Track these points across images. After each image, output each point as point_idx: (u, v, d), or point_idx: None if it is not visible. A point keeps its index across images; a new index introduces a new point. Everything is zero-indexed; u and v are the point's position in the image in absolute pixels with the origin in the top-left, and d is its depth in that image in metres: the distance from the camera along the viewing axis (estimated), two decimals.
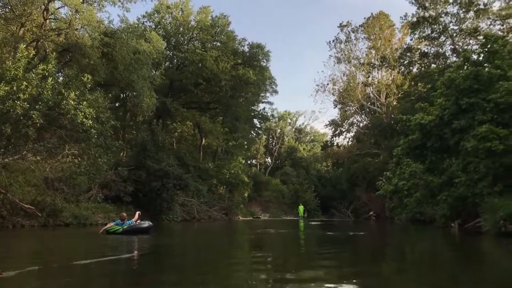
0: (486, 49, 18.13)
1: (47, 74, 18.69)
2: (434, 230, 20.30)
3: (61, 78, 23.19)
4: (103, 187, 27.07)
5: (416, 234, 19.39)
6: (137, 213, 15.60)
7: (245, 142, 52.36)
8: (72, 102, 17.98)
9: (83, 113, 18.48)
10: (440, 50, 37.84)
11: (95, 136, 19.67)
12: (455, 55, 35.36)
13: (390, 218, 39.42)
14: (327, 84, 53.88)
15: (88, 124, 18.54)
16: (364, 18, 49.89)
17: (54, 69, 19.60)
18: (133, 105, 32.25)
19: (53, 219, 20.95)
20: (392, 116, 41.10)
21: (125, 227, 14.27)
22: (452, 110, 17.06)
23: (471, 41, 34.62)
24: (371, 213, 48.62)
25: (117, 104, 39.92)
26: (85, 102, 18.72)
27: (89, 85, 20.05)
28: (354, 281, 6.00)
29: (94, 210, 24.74)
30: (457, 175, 18.21)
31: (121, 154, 35.15)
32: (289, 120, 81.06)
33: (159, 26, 40.99)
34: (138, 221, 15.18)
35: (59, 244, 12.24)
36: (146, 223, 15.28)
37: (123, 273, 6.54)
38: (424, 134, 18.21)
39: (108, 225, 14.95)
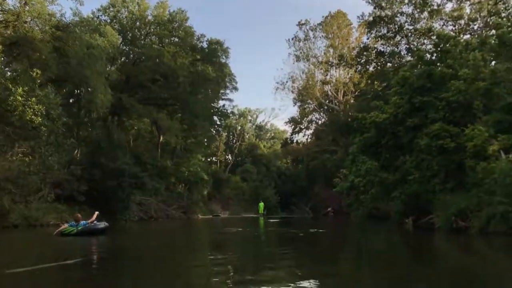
0: (439, 49, 18.65)
1: None
2: (389, 226, 20.76)
3: (9, 73, 22.04)
4: (55, 186, 26.04)
5: (372, 230, 19.75)
6: (96, 213, 15.11)
7: (205, 140, 51.68)
8: (20, 98, 17.12)
9: (32, 110, 17.63)
10: (396, 49, 38.79)
11: (46, 134, 18.83)
12: (410, 54, 36.32)
13: (347, 214, 40.12)
14: (287, 82, 54.29)
15: (38, 122, 17.71)
16: (323, 17, 50.54)
17: None
18: (88, 102, 31.15)
19: (0, 220, 19.99)
20: (350, 114, 41.79)
21: (79, 228, 13.78)
22: (406, 109, 17.46)
23: (425, 41, 35.66)
24: (329, 209, 49.26)
25: (70, 101, 38.46)
26: (34, 99, 17.86)
27: (39, 81, 19.17)
28: (312, 281, 5.99)
29: (46, 210, 23.75)
30: (411, 172, 18.66)
31: (75, 152, 33.96)
32: (249, 117, 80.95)
33: (114, 21, 39.72)
34: (94, 222, 14.67)
35: (4, 249, 11.63)
36: (102, 224, 14.80)
37: (74, 280, 6.21)
38: (379, 131, 18.57)
39: (62, 227, 14.46)
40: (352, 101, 48.57)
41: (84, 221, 14.20)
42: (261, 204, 49.97)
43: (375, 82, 40.80)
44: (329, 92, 51.76)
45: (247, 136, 78.27)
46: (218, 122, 54.33)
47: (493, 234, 12.99)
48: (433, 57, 19.64)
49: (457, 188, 16.30)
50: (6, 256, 9.65)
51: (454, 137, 16.06)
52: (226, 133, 71.77)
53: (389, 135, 18.24)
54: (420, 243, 13.69)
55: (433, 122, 16.55)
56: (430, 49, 24.09)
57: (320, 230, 20.02)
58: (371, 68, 41.47)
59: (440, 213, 16.18)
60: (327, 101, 51.57)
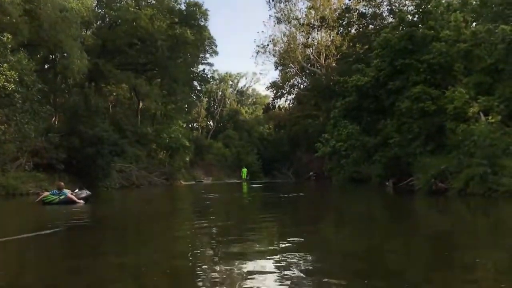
0: (421, 10, 18.40)
1: None
2: (370, 189, 21.02)
3: None
4: (33, 155, 25.53)
5: (353, 193, 19.97)
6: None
7: (185, 105, 50.98)
8: None
9: (4, 77, 16.96)
10: (378, 10, 38.31)
11: (20, 101, 18.22)
12: (392, 16, 35.92)
13: (329, 178, 40.58)
14: (268, 45, 53.43)
15: (11, 88, 17.07)
16: None
17: None
18: (63, 67, 30.22)
19: None
20: (332, 77, 41.52)
21: (61, 197, 13.49)
22: (387, 71, 17.34)
23: (407, 2, 35.21)
24: (311, 173, 49.75)
25: (46, 67, 37.33)
26: (6, 64, 17.16)
27: (10, 46, 18.36)
28: (295, 240, 6.05)
29: (24, 179, 23.33)
30: (392, 136, 18.76)
31: (53, 119, 33.21)
32: (230, 82, 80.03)
33: None
34: (76, 191, 14.51)
35: None
36: (84, 193, 14.61)
37: (60, 247, 6.18)
38: (360, 95, 18.49)
39: (44, 195, 14.13)
40: (334, 64, 48.18)
41: (66, 190, 13.93)
42: (244, 170, 50.14)
43: (357, 45, 40.39)
44: (311, 56, 51.23)
45: (228, 102, 77.59)
46: (199, 88, 53.54)
47: (472, 195, 13.22)
48: (415, 19, 19.39)
49: (437, 150, 16.47)
50: None
51: (435, 99, 16.09)
52: (207, 99, 70.97)
53: (371, 99, 18.19)
54: (400, 204, 13.90)
55: (414, 85, 16.51)
56: (412, 10, 23.76)
57: (302, 194, 20.17)
58: (353, 31, 40.94)
59: (420, 175, 16.38)
60: (309, 64, 51.10)
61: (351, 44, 42.64)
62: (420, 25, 18.36)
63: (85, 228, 8.26)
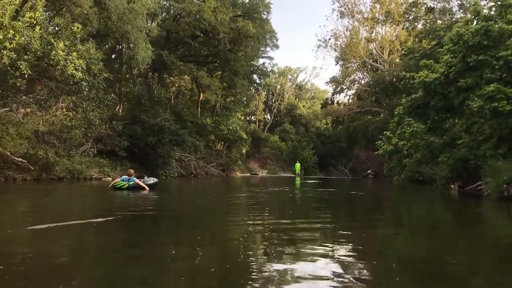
0: (499, 3, 17.11)
1: (35, 22, 17.74)
2: (433, 191, 20.02)
3: (51, 28, 22.12)
4: (97, 141, 26.64)
5: (415, 195, 19.11)
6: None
7: (244, 98, 51.35)
8: (61, 53, 17.11)
9: (73, 65, 17.64)
10: (447, 5, 36.44)
11: (86, 89, 18.92)
12: (462, 11, 34.03)
13: (388, 177, 39.33)
14: (329, 39, 52.39)
15: (79, 77, 17.73)
16: None
17: (42, 17, 18.62)
18: (129, 58, 31.27)
19: (46, 173, 20.65)
20: (395, 73, 40.04)
21: (131, 183, 14.33)
22: (459, 68, 16.25)
23: None
24: (369, 171, 48.60)
25: (113, 56, 38.83)
26: (75, 53, 17.83)
27: (79, 35, 19.08)
28: (350, 243, 5.74)
29: (88, 164, 24.43)
30: (460, 136, 17.68)
31: (117, 108, 34.49)
32: (289, 76, 79.65)
33: None
34: (144, 178, 15.61)
35: (63, 201, 11.95)
36: (151, 180, 15.61)
37: (120, 234, 6.22)
38: (427, 92, 17.47)
39: (115, 180, 15.07)
40: (397, 60, 46.47)
41: (134, 177, 14.71)
42: (298, 165, 49.83)
43: (423, 41, 38.68)
44: (374, 51, 49.70)
45: (286, 96, 77.29)
46: (258, 81, 53.70)
47: None
48: (492, 12, 18.08)
49: (510, 154, 15.31)
50: (60, 206, 9.82)
51: (511, 99, 14.91)
52: (265, 92, 71.07)
53: (439, 96, 17.13)
54: (467, 209, 13.03)
55: (488, 83, 15.36)
56: (485, 4, 22.28)
57: (360, 193, 19.57)
58: (419, 26, 39.30)
59: (490, 179, 15.29)
60: (371, 60, 49.63)
61: (417, 39, 40.92)
62: (496, 19, 17.09)
63: (145, 217, 8.34)
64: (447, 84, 16.83)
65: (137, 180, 14.55)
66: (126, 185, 14.27)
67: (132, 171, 15.17)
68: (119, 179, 14.93)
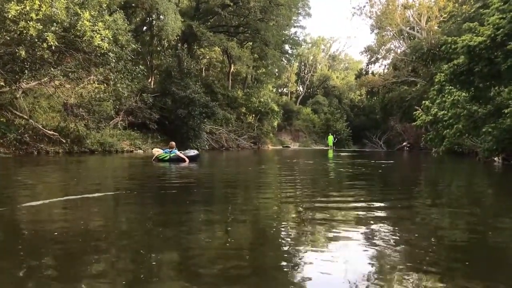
0: None
1: None
2: (475, 163, 18.96)
3: None
4: (128, 114, 26.59)
5: (455, 167, 18.13)
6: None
7: (276, 70, 50.27)
8: (87, 23, 16.76)
9: (99, 35, 17.28)
10: None
11: (114, 60, 18.59)
12: None
13: (424, 149, 37.93)
14: (364, 6, 50.41)
15: (105, 47, 17.37)
16: None
17: None
18: (159, 29, 30.85)
19: (77, 145, 20.73)
20: (433, 41, 38.01)
21: (172, 155, 15.02)
22: (508, 29, 14.91)
23: None
24: (404, 143, 47.19)
25: (144, 29, 38.56)
26: (101, 23, 17.44)
27: (105, 4, 18.67)
28: (382, 212, 5.66)
29: (120, 137, 24.46)
30: (507, 105, 16.45)
31: (149, 80, 34.35)
32: (322, 47, 77.67)
33: None
34: (186, 150, 16.44)
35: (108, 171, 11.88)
36: (191, 152, 16.24)
37: (152, 204, 6.22)
38: (471, 58, 16.18)
39: (158, 152, 15.68)
40: (436, 27, 44.17)
41: (175, 149, 15.39)
42: (330, 137, 48.89)
43: (464, 6, 36.39)
44: (411, 18, 47.43)
45: (319, 67, 75.59)
46: (290, 51, 52.49)
47: None
48: None
49: None
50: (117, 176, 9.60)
51: None
52: (297, 63, 69.64)
53: (484, 61, 15.83)
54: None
55: None
56: None
57: (396, 164, 18.75)
58: None
59: None
60: (408, 28, 47.45)
61: (456, 4, 38.58)
62: None
63: (179, 187, 8.24)
64: (493, 48, 15.52)
65: (177, 152, 15.17)
66: (168, 157, 14.95)
67: (173, 143, 15.74)
68: (162, 151, 15.60)
